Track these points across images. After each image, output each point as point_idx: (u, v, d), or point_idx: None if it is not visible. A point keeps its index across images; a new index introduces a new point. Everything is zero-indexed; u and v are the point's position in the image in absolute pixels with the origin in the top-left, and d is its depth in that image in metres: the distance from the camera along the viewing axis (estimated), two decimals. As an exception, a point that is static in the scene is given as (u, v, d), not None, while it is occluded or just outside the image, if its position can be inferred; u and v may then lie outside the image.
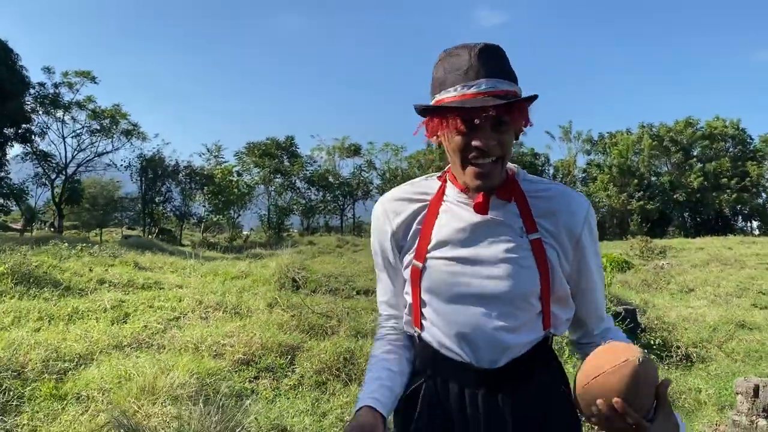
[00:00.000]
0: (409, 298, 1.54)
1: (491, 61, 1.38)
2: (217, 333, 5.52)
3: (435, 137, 1.47)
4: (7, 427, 3.60)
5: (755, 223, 59.21)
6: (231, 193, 39.96)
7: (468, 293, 1.46)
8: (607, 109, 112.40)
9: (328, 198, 46.68)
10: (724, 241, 32.08)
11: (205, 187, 38.55)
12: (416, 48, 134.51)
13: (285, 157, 45.42)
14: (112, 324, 5.83)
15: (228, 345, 5.24)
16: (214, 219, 41.19)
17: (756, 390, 4.63)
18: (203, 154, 42.33)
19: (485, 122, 1.36)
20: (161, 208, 37.27)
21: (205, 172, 38.72)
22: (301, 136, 78.85)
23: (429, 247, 1.49)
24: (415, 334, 1.56)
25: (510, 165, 1.52)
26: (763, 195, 58.61)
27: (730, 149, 58.01)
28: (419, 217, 1.52)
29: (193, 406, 3.46)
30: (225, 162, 42.49)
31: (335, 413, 4.28)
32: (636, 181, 53.99)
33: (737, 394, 4.78)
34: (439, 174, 1.59)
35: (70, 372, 4.51)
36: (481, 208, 1.45)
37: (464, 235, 1.47)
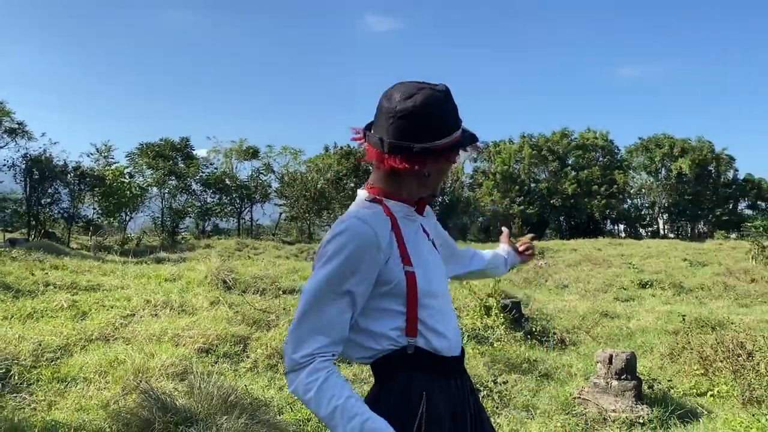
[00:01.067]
0: (402, 307, 1.57)
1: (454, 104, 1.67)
2: (175, 326, 6.33)
3: (420, 168, 1.60)
4: (27, 403, 4.33)
5: (621, 226, 64.77)
6: (123, 195, 38.87)
7: (441, 291, 1.68)
8: (492, 120, 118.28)
9: (225, 201, 46.42)
10: (595, 243, 35.26)
11: (96, 189, 37.30)
12: (309, 51, 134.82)
13: (180, 159, 44.72)
14: (73, 321, 6.48)
15: (187, 336, 6.08)
16: (105, 222, 39.90)
17: (610, 358, 6.09)
18: (92, 154, 40.82)
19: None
20: (48, 210, 35.71)
21: (96, 173, 37.44)
22: (197, 137, 77.27)
23: (408, 252, 1.60)
24: (406, 343, 1.58)
25: None
26: (629, 201, 64.32)
27: (600, 159, 63.08)
28: (391, 232, 1.60)
29: (192, 378, 4.36)
30: (116, 163, 41.22)
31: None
32: (517, 187, 57.41)
33: (597, 362, 6.23)
34: (367, 198, 1.68)
35: (58, 360, 5.21)
36: (422, 210, 1.76)
37: (423, 241, 1.69)
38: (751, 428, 4.83)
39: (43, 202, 35.21)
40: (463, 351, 1.73)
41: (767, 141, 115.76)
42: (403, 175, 1.64)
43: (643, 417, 5.56)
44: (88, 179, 36.76)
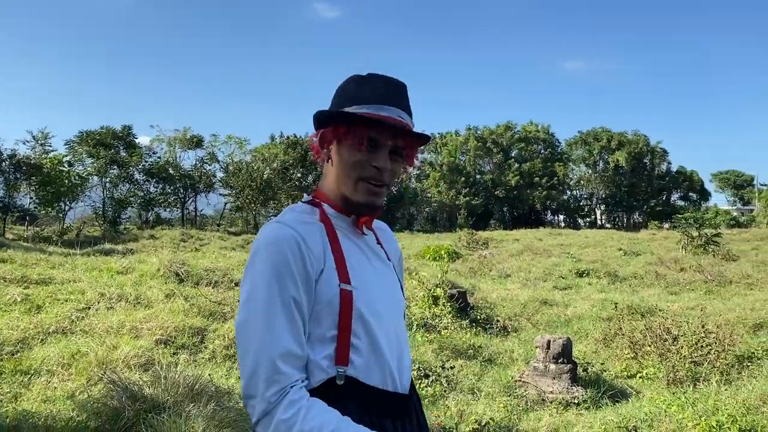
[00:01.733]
0: (332, 331, 1.34)
1: (404, 96, 1.46)
2: (132, 319, 6.46)
3: (323, 151, 1.46)
4: (-7, 395, 4.44)
5: (561, 217, 66.81)
6: (62, 184, 37.73)
7: (384, 317, 1.43)
8: (439, 111, 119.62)
9: (169, 191, 45.59)
10: (536, 233, 36.38)
11: (33, 178, 36.10)
12: (257, 38, 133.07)
13: (122, 148, 43.66)
14: (29, 315, 6.52)
15: (146, 328, 6.22)
16: (42, 212, 38.67)
17: (548, 344, 6.55)
18: (28, 141, 39.49)
19: (388, 145, 1.39)
20: (-20, 199, 34.42)
21: (32, 162, 36.24)
22: (139, 125, 75.55)
23: (347, 269, 1.39)
24: (336, 374, 1.34)
25: None
26: (568, 192, 66.37)
27: (542, 151, 64.84)
28: (326, 241, 1.39)
29: (157, 368, 4.55)
30: (53, 151, 39.97)
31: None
32: (463, 178, 58.40)
33: (536, 347, 6.69)
34: (306, 199, 1.51)
35: (18, 354, 5.30)
36: (361, 226, 1.48)
37: (363, 257, 1.46)
38: (672, 405, 5.34)
39: (-25, 191, 33.93)
40: (413, 391, 1.51)
41: (699, 136, 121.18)
42: (326, 170, 1.48)
43: (578, 398, 6.03)
44: (24, 168, 35.56)
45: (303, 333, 1.31)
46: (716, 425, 4.65)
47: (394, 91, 1.43)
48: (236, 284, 9.35)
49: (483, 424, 4.40)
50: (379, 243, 1.56)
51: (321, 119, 1.43)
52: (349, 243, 1.44)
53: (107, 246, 19.93)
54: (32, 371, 4.92)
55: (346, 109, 1.39)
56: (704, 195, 71.57)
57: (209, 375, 4.71)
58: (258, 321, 1.28)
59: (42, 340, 5.77)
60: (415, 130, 1.45)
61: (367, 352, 1.37)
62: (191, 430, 3.48)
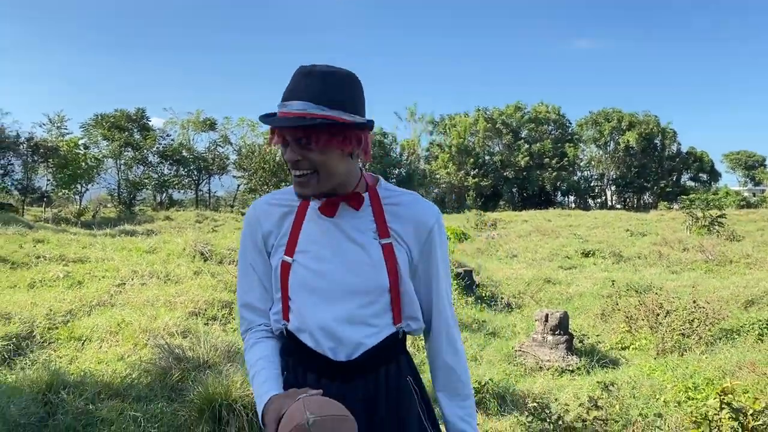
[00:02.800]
0: (278, 293, 1.61)
1: (307, 85, 1.46)
2: (165, 293, 7.08)
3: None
4: (53, 358, 5.08)
5: (571, 198, 67.04)
6: (78, 166, 38.53)
7: (328, 289, 1.57)
8: (449, 93, 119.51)
9: (183, 173, 46.35)
10: (545, 214, 36.68)
11: (50, 160, 36.90)
12: (265, 21, 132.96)
13: (136, 130, 44.40)
14: (72, 290, 7.17)
15: (179, 302, 6.84)
16: (59, 193, 39.54)
17: (546, 317, 7.11)
18: (44, 124, 40.22)
19: (291, 141, 1.49)
20: (0, 182, 35.29)
21: (50, 145, 37.00)
22: (153, 108, 76.06)
23: (297, 246, 1.60)
24: (283, 327, 1.62)
25: (371, 175, 1.69)
26: (578, 173, 66.52)
27: (552, 132, 64.90)
28: (288, 221, 1.62)
29: (195, 335, 5.16)
30: (69, 134, 40.72)
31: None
32: (472, 159, 58.72)
33: (535, 321, 7.26)
34: None
35: (68, 323, 5.94)
36: (326, 212, 1.59)
37: (324, 237, 1.60)
38: (656, 371, 5.91)
39: (-6, 173, 34.77)
40: (362, 360, 1.59)
41: (710, 116, 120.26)
42: None
43: (573, 365, 6.60)
44: (41, 150, 36.32)
45: (262, 289, 1.64)
46: (692, 386, 5.20)
47: (299, 83, 1.47)
48: (256, 263, 9.96)
49: (483, 383, 4.98)
50: (380, 222, 1.62)
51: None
52: (314, 224, 1.61)
53: (127, 227, 20.65)
54: (84, 338, 5.55)
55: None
56: (714, 175, 71.50)
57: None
58: (244, 274, 1.68)
59: (87, 312, 6.40)
60: (325, 115, 1.46)
61: (298, 315, 1.58)
62: (232, 384, 4.08)
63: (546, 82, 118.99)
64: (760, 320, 7.75)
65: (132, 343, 5.33)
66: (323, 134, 1.48)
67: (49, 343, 5.41)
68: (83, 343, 5.46)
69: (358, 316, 1.58)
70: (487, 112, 63.38)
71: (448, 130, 62.35)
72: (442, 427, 1.74)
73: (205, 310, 6.80)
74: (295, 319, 1.59)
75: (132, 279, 7.80)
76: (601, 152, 65.40)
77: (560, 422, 3.89)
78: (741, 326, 7.90)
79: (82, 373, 4.54)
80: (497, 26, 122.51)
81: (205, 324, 6.50)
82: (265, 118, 1.53)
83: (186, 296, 6.99)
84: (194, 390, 4.10)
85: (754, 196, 60.99)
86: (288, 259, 1.59)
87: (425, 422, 1.68)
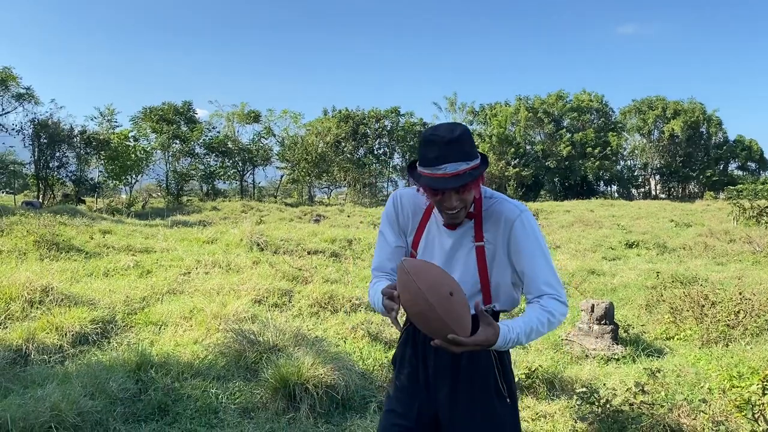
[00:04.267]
0: None
1: (454, 149, 1.91)
2: (229, 282, 7.55)
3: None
4: (135, 340, 5.56)
5: (614, 187, 66.04)
6: (128, 158, 39.79)
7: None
8: (489, 82, 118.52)
9: (228, 164, 47.40)
10: (587, 204, 36.42)
11: (101, 152, 38.19)
12: (307, 7, 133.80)
13: (182, 123, 45.56)
14: (143, 278, 7.69)
15: (242, 290, 7.29)
16: (111, 184, 40.93)
17: (592, 307, 7.34)
18: (96, 117, 41.61)
19: (449, 192, 1.94)
20: (56, 173, 36.71)
21: (101, 137, 38.29)
22: (198, 101, 78.29)
23: (419, 242, 2.16)
24: None
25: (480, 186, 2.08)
26: (621, 162, 65.48)
27: (595, 121, 63.93)
28: (417, 219, 2.18)
29: (264, 320, 5.58)
30: (119, 126, 42.04)
31: (333, 329, 6.49)
32: (513, 149, 58.28)
33: (581, 311, 7.49)
34: None
35: (144, 310, 6.43)
36: (449, 226, 2.10)
37: (440, 240, 2.13)
38: (701, 360, 6.10)
39: (51, 165, 36.13)
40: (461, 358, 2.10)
41: (759, 102, 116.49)
42: None
43: (618, 354, 6.82)
44: (93, 143, 37.60)
45: (390, 257, 2.20)
46: (737, 375, 5.38)
47: (449, 149, 1.91)
48: (309, 252, 10.41)
49: (533, 369, 5.27)
50: (478, 228, 2.09)
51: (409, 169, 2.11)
52: (433, 228, 2.14)
53: (179, 217, 21.41)
54: (160, 323, 6.02)
55: (419, 168, 1.98)
56: (764, 164, 69.45)
57: (307, 326, 5.71)
58: (382, 234, 2.25)
59: (159, 299, 6.90)
60: (473, 166, 1.95)
61: None
62: (302, 365, 4.46)
63: (589, 70, 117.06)
64: (807, 312, 7.79)
65: (205, 327, 5.77)
66: (474, 181, 1.95)
67: (130, 327, 5.90)
68: (160, 328, 5.93)
69: None
70: (529, 101, 62.80)
71: (488, 120, 62.04)
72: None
73: (266, 297, 7.22)
74: None
75: (196, 268, 8.29)
76: (645, 141, 64.24)
77: (608, 406, 4.17)
78: (788, 318, 7.96)
79: (165, 355, 4.99)
80: (537, 14, 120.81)
81: (267, 310, 6.93)
82: (419, 177, 1.98)
83: (248, 284, 7.43)
84: (268, 371, 4.50)
85: (806, 185, 59.10)
86: (414, 252, 2.18)
87: (501, 384, 2.11)
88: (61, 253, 8.43)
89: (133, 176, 41.68)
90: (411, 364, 2.17)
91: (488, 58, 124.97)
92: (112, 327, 5.78)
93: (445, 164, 1.89)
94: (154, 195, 45.34)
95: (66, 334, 5.32)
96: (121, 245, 9.35)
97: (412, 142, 55.61)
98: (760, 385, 3.59)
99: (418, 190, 2.10)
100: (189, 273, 8.10)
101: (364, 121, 55.61)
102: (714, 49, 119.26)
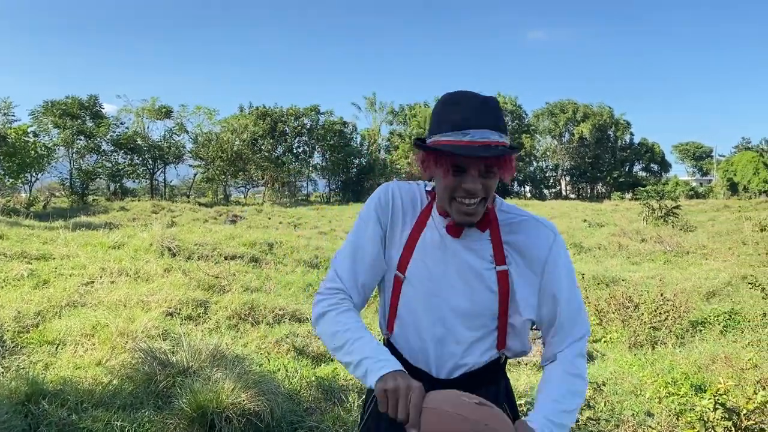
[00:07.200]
0: (387, 304, 1.64)
1: (486, 113, 1.44)
2: (137, 292, 6.88)
3: (425, 172, 1.56)
4: (26, 364, 4.87)
5: (527, 188, 68.10)
6: (27, 155, 37.21)
7: (437, 308, 1.57)
8: (407, 83, 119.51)
9: (137, 161, 45.22)
10: (503, 204, 37.14)
11: (-3, 149, 35.50)
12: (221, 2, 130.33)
13: (88, 118, 43.08)
14: (39, 289, 6.89)
15: (152, 301, 6.65)
16: (8, 183, 38.14)
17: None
18: (-11, 111, 38.70)
19: (474, 169, 1.45)
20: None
21: (-3, 133, 35.60)
22: (106, 95, 74.25)
23: (411, 259, 1.59)
24: (385, 336, 1.67)
25: None
26: (534, 164, 67.60)
27: (509, 123, 65.70)
28: (409, 223, 1.63)
29: (176, 337, 5.01)
30: (17, 121, 39.29)
31: (254, 343, 6.00)
32: (432, 149, 58.85)
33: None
34: (430, 189, 1.66)
35: (39, 326, 5.71)
36: (452, 231, 1.56)
37: (441, 255, 1.57)
38: (634, 365, 6.03)
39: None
40: (462, 380, 1.59)
41: (661, 108, 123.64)
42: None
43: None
44: (-12, 138, 34.92)
45: (369, 269, 1.64)
46: (671, 381, 5.32)
47: (480, 112, 1.45)
48: (226, 258, 9.80)
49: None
50: (497, 248, 1.58)
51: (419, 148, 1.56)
52: (432, 238, 1.60)
53: (83, 218, 20.03)
54: (57, 342, 5.34)
55: (433, 138, 1.49)
56: (665, 166, 73.58)
57: (226, 343, 5.20)
58: (356, 240, 1.68)
59: (56, 313, 6.16)
60: (504, 142, 1.46)
61: (405, 331, 1.62)
62: (222, 390, 3.97)
63: (503, 73, 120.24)
64: (724, 312, 7.99)
65: (109, 346, 5.15)
66: (508, 162, 1.49)
67: (21, 348, 5.18)
68: (57, 348, 5.25)
69: (463, 338, 1.58)
70: (446, 102, 63.49)
71: (408, 120, 62.42)
72: None
73: (180, 309, 6.63)
74: (400, 332, 1.62)
75: (101, 277, 7.55)
76: (556, 143, 66.55)
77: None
78: (705, 318, 8.13)
79: (61, 381, 4.36)
80: (451, 20, 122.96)
81: (180, 324, 6.34)
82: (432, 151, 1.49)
83: (159, 295, 6.80)
84: (182, 398, 3.99)
85: (702, 186, 63.05)
86: (400, 275, 1.60)
87: None
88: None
89: (33, 174, 39.03)
90: None
91: (406, 60, 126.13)
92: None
93: (472, 129, 1.43)
94: (57, 194, 42.61)
95: (-60, 360, 4.58)
96: (14, 252, 8.41)
97: (332, 141, 55.00)
98: (711, 400, 3.43)
99: (423, 186, 1.67)
100: (92, 282, 7.35)
101: (283, 118, 54.41)
102: (622, 54, 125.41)
